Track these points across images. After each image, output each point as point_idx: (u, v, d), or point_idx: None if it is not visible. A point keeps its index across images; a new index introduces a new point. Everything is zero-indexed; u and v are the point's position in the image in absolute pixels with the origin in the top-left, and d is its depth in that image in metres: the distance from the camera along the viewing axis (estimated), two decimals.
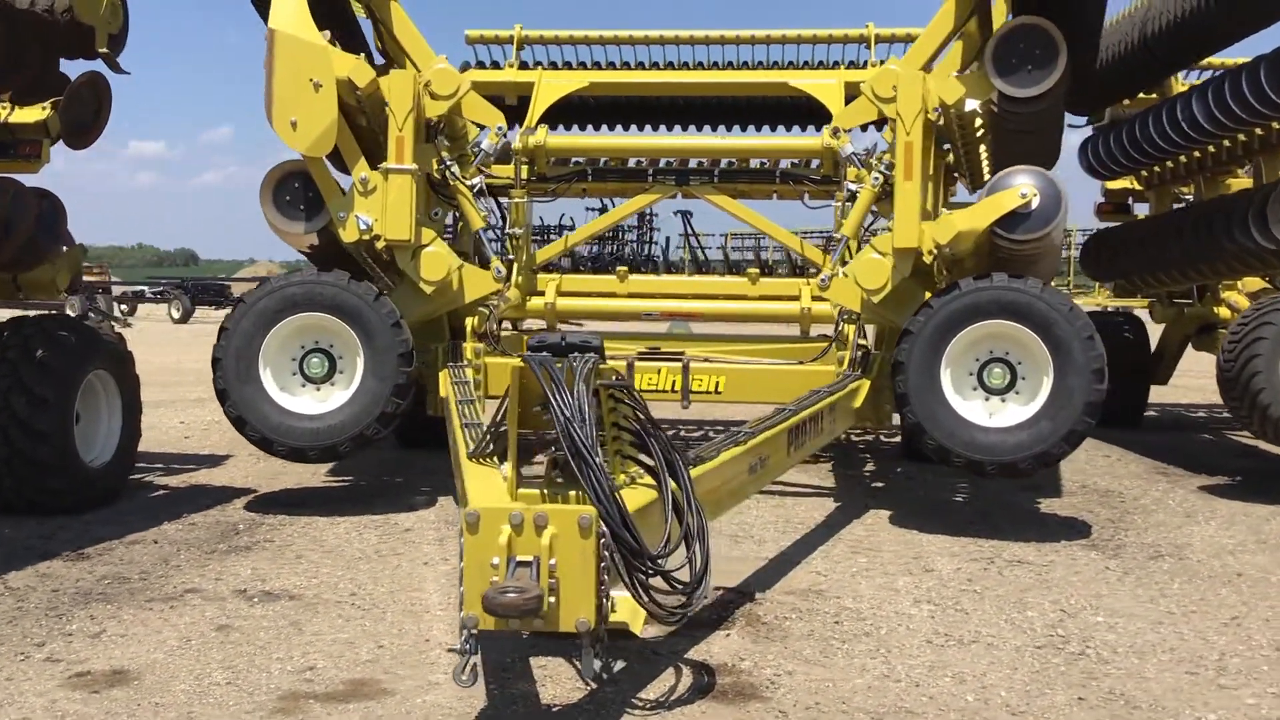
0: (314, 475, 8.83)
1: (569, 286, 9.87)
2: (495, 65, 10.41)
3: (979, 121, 7.74)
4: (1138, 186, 12.38)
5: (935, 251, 7.19)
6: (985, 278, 7.02)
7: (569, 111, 10.56)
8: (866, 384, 7.66)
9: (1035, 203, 6.97)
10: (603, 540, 3.76)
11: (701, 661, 4.67)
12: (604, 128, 10.84)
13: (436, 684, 4.39)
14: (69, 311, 9.89)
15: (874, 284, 7.30)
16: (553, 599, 3.70)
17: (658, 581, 4.01)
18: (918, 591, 5.78)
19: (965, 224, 7.10)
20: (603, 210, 10.65)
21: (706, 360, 8.29)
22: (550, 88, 9.99)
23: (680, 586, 4.14)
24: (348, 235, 7.46)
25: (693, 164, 9.78)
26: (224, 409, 7.42)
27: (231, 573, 5.98)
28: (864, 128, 8.85)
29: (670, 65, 10.49)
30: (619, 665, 4.59)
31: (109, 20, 7.80)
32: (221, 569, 6.05)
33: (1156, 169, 11.30)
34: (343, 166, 7.83)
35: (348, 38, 8.39)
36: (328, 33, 7.47)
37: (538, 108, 9.84)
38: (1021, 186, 6.98)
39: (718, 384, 8.07)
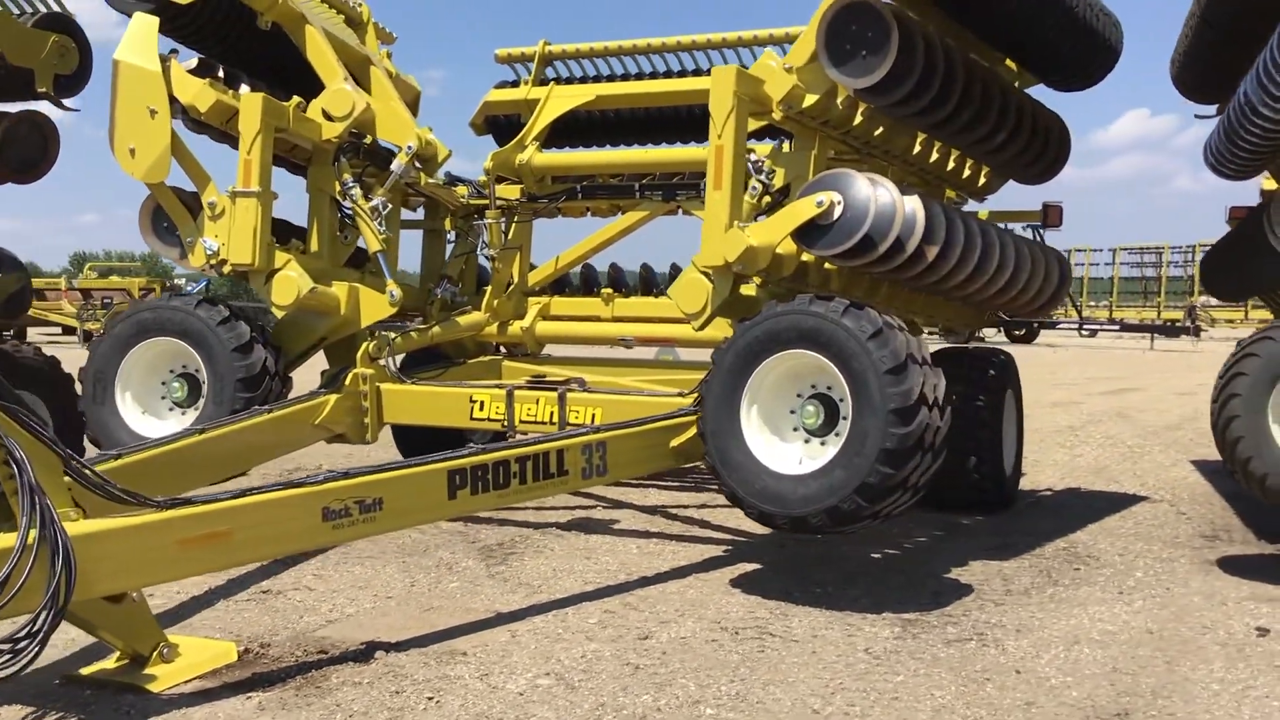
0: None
1: (558, 310, 9.46)
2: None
3: (860, 119, 6.64)
4: None
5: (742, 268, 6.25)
6: (792, 299, 6.03)
7: (582, 128, 10.10)
8: None
9: (837, 212, 5.89)
10: None
11: None
12: (616, 143, 10.28)
13: None
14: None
15: (693, 307, 6.46)
16: None
17: None
18: (579, 662, 5.00)
19: (760, 238, 6.11)
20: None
21: (585, 390, 7.64)
22: (554, 103, 9.63)
23: None
24: (195, 260, 7.50)
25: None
26: (85, 430, 7.67)
27: None
28: (759, 135, 7.92)
29: (698, 72, 9.81)
30: None
31: (55, 63, 8.29)
32: None
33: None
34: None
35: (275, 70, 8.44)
36: (193, 60, 7.57)
37: (535, 125, 9.51)
38: (819, 194, 5.91)
39: (594, 416, 7.40)
